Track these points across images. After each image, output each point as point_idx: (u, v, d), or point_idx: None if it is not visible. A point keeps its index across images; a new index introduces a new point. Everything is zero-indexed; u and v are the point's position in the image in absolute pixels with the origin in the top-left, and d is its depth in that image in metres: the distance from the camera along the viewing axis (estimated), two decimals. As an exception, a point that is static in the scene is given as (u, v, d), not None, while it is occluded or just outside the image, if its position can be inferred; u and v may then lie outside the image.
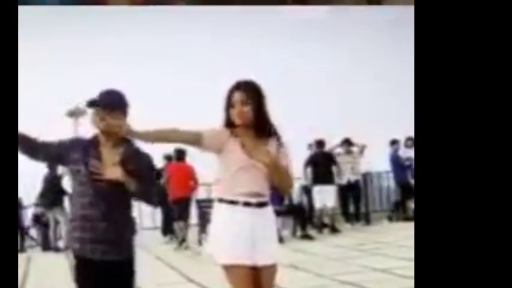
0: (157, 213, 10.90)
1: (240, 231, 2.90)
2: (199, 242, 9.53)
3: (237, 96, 2.93)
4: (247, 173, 2.90)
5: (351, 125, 11.57)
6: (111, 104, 3.01)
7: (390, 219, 11.35)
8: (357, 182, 11.04)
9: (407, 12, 4.09)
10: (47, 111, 11.39)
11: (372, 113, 13.03)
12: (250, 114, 2.92)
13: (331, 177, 10.21)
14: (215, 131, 2.96)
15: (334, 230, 10.01)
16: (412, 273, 5.70)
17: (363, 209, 11.43)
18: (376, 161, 11.45)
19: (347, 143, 10.92)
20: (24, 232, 10.81)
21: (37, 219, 10.57)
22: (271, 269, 2.97)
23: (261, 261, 2.93)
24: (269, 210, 3.02)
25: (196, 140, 2.92)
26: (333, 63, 13.47)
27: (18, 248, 10.56)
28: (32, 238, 10.90)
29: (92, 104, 3.03)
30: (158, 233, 10.84)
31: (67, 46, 12.30)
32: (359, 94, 13.35)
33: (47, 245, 10.24)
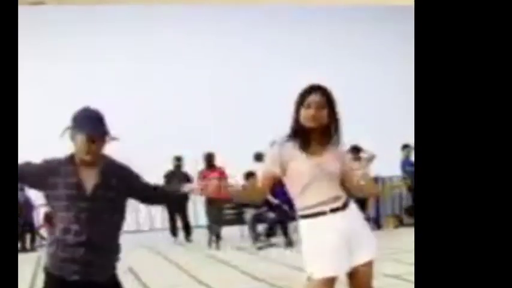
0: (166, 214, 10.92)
1: (327, 243, 2.86)
2: (209, 244, 9.53)
3: (314, 98, 2.87)
4: (319, 182, 2.88)
5: (362, 128, 11.51)
6: (102, 132, 2.90)
7: (401, 223, 11.27)
8: None
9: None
10: (53, 115, 11.44)
11: (385, 116, 12.95)
12: (324, 120, 2.89)
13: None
14: (277, 157, 2.89)
15: None
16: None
17: (372, 213, 11.38)
18: (388, 165, 11.37)
19: (355, 150, 10.85)
20: (35, 231, 10.86)
21: (48, 219, 10.59)
22: (363, 267, 2.94)
23: (356, 261, 2.92)
24: (348, 212, 2.95)
25: (275, 178, 2.93)
26: (341, 64, 13.41)
27: (29, 247, 10.62)
28: (42, 237, 10.92)
29: (81, 132, 2.87)
30: (167, 234, 10.82)
31: (71, 46, 12.36)
32: (370, 96, 13.28)
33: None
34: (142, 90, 12.23)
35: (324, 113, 2.87)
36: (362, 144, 10.79)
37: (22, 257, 8.81)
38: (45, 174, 2.89)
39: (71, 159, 2.93)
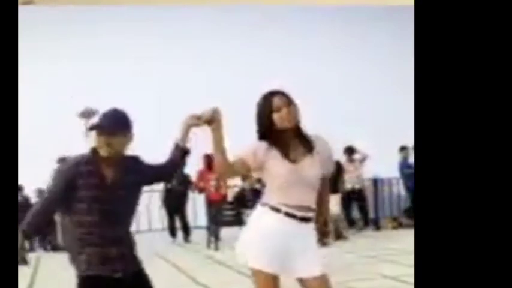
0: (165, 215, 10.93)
1: (276, 240, 2.87)
2: (208, 245, 9.53)
3: (279, 100, 2.88)
4: (294, 186, 2.88)
5: (361, 129, 11.51)
6: (115, 127, 2.92)
7: (400, 224, 11.27)
8: (360, 190, 10.96)
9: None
10: (59, 112, 11.44)
11: (383, 117, 12.94)
12: (298, 118, 2.90)
13: (336, 185, 10.14)
14: (252, 152, 2.89)
15: (339, 236, 9.93)
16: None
17: (371, 215, 11.39)
18: (387, 167, 11.37)
19: (349, 151, 10.84)
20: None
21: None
22: (314, 281, 2.90)
23: (301, 273, 2.91)
24: (311, 225, 2.97)
25: (246, 170, 2.96)
26: (340, 65, 13.39)
27: (28, 247, 10.60)
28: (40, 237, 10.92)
29: (95, 128, 2.93)
30: (166, 235, 10.82)
31: (73, 45, 12.36)
32: (370, 96, 13.27)
33: (56, 245, 10.27)
34: (140, 90, 12.23)
35: (293, 110, 2.89)
36: (360, 145, 10.79)
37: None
38: (67, 186, 2.90)
39: (93, 157, 2.95)
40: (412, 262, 6.71)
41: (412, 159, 11.35)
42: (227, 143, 2.90)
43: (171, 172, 3.23)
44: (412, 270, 6.15)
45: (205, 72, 12.72)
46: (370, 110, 12.99)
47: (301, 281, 2.94)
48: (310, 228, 2.96)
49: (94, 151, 2.96)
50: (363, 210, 11.17)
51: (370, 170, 11.27)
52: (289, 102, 2.88)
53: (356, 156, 10.90)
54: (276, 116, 2.87)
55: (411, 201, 11.33)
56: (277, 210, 2.89)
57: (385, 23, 13.52)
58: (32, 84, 10.91)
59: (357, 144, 10.95)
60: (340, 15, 13.48)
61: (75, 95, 11.22)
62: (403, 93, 12.76)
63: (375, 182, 11.72)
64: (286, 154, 2.88)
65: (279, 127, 2.88)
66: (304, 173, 2.88)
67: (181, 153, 3.11)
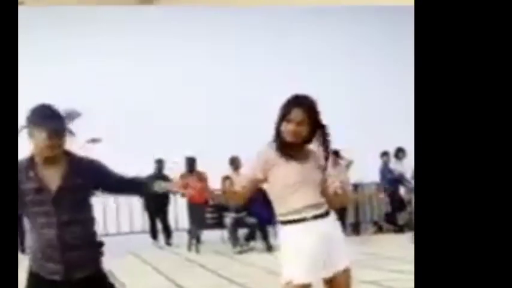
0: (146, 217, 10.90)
1: (305, 249, 2.90)
2: (189, 248, 9.52)
3: (297, 114, 2.88)
4: (301, 187, 2.91)
5: (342, 133, 11.55)
6: (59, 128, 2.80)
7: (380, 229, 11.34)
8: None
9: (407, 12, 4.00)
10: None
11: (365, 121, 13.00)
12: (305, 134, 2.91)
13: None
14: (264, 161, 2.94)
15: None
16: (401, 285, 5.66)
17: (351, 220, 11.43)
18: (367, 172, 11.43)
19: (335, 155, 10.85)
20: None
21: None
22: (346, 272, 3.00)
23: (331, 272, 2.96)
24: (330, 220, 3.00)
25: (258, 183, 2.99)
26: (325, 66, 13.40)
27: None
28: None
29: (29, 126, 2.78)
30: (147, 237, 10.78)
31: (67, 46, 12.27)
32: (352, 101, 13.29)
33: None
34: (140, 91, 12.13)
35: (304, 128, 2.90)
36: (350, 148, 10.82)
37: None
38: None
39: (30, 162, 2.85)
40: (392, 267, 6.75)
41: (391, 165, 11.44)
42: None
43: (135, 193, 3.21)
44: (392, 275, 6.20)
45: (206, 73, 12.67)
46: (357, 114, 13.04)
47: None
48: (330, 223, 2.99)
49: (31, 159, 2.85)
50: (341, 214, 11.20)
51: (352, 175, 11.31)
52: (305, 119, 2.88)
53: (341, 161, 10.91)
54: (283, 126, 2.90)
55: (391, 206, 11.42)
56: (296, 221, 2.91)
57: (385, 23, 13.55)
58: (29, 85, 10.80)
59: (345, 149, 10.98)
60: (340, 15, 13.46)
61: (73, 95, 11.14)
62: (389, 98, 12.83)
63: (355, 186, 11.77)
64: (289, 157, 2.92)
65: (283, 137, 2.91)
66: (308, 173, 2.94)
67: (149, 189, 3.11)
